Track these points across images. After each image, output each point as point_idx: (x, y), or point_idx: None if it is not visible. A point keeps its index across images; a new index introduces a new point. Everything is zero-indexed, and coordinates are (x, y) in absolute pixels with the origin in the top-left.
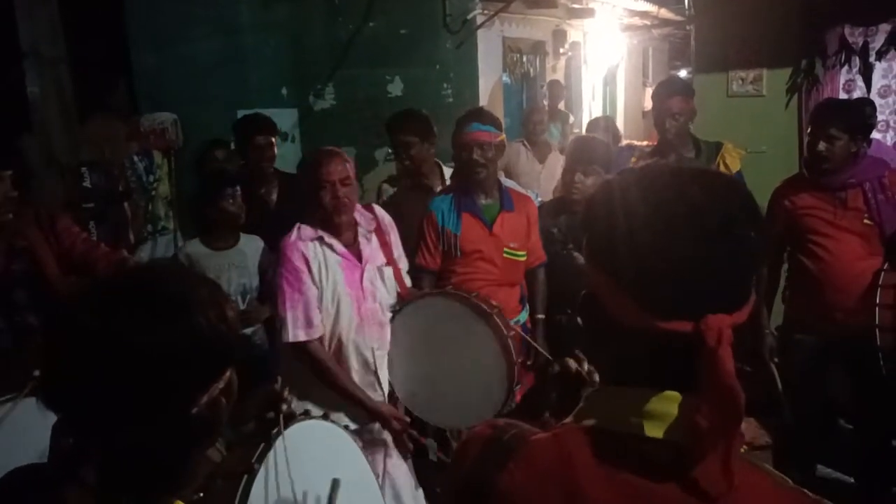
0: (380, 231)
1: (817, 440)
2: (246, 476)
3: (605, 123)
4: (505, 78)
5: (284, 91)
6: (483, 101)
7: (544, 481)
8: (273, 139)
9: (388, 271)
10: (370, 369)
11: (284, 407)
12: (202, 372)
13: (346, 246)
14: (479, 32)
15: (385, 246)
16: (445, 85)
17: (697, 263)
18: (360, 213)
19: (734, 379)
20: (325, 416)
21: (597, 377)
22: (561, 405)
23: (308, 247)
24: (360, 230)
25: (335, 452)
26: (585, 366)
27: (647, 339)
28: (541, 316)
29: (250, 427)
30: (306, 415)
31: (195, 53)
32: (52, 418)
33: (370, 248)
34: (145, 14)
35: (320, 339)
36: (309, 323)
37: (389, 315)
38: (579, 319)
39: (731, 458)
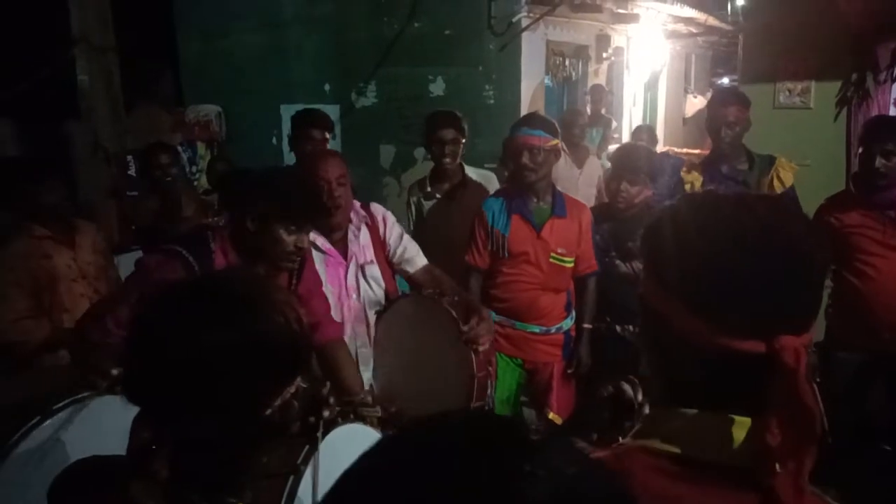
0: (373, 227)
1: (855, 461)
2: (292, 477)
3: (647, 131)
4: (547, 81)
5: (327, 87)
6: (524, 104)
7: None
8: (327, 135)
9: (373, 269)
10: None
11: (327, 413)
12: (278, 374)
13: (333, 243)
14: (524, 35)
15: (376, 242)
16: (487, 86)
17: (769, 283)
18: (352, 210)
19: (812, 399)
20: (363, 420)
21: (647, 408)
22: (612, 426)
23: None
24: (350, 227)
25: None
26: (640, 395)
27: (716, 360)
28: (587, 325)
29: (294, 429)
30: (344, 410)
31: (241, 47)
32: (124, 417)
33: (357, 245)
34: (193, 6)
35: None
36: None
37: (374, 313)
38: (640, 341)
39: (802, 479)
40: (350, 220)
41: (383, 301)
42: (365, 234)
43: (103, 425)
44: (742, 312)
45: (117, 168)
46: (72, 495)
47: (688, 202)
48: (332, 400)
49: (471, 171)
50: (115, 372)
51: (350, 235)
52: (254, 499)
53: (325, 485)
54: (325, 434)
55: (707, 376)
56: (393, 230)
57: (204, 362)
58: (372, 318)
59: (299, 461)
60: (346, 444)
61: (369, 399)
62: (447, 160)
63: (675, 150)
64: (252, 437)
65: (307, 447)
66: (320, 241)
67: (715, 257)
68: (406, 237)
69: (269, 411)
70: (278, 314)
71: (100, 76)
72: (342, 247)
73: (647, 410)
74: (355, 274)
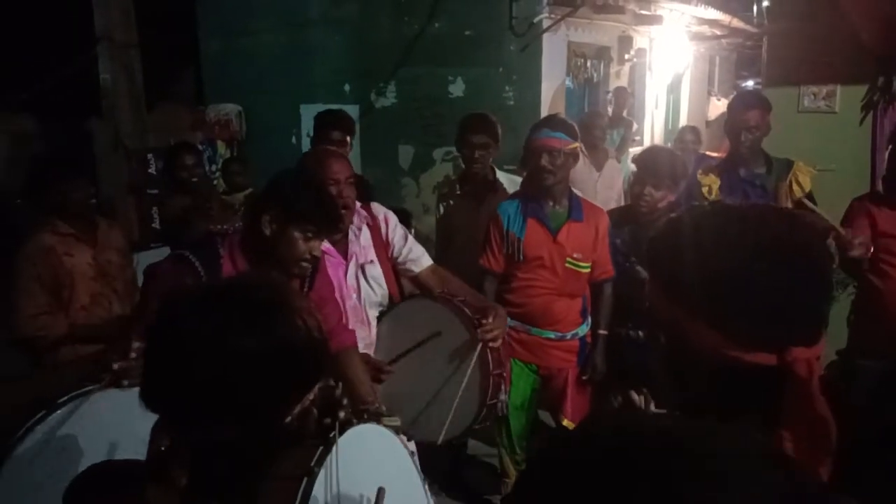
0: (374, 227)
1: (879, 471)
2: (306, 479)
3: (692, 132)
4: (568, 82)
5: (347, 87)
6: (545, 105)
7: None
8: (348, 137)
9: (374, 269)
10: None
11: (342, 414)
12: (300, 382)
13: (333, 243)
14: (545, 36)
15: (378, 242)
16: (507, 87)
17: (781, 296)
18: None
19: (826, 410)
20: (378, 421)
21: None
22: None
23: None
24: (351, 227)
25: (385, 456)
26: (651, 405)
27: (728, 372)
28: (603, 332)
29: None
30: (360, 419)
31: (262, 46)
32: (126, 411)
33: (358, 245)
34: (215, 5)
35: None
36: None
37: (375, 313)
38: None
39: None
40: (351, 221)
41: (384, 302)
42: (366, 235)
43: (105, 419)
44: (754, 325)
45: (138, 165)
46: (87, 500)
47: (696, 213)
48: (345, 401)
49: (501, 176)
50: (116, 366)
51: (351, 235)
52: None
53: (341, 486)
54: (339, 434)
55: (719, 388)
56: (396, 230)
57: (228, 369)
58: (373, 318)
59: (313, 463)
60: (359, 446)
61: (384, 408)
62: (477, 165)
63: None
64: (271, 443)
65: (321, 449)
66: None
67: (727, 270)
68: (411, 238)
69: (289, 418)
70: (301, 321)
71: (122, 74)
72: (342, 246)
73: None
74: (355, 274)
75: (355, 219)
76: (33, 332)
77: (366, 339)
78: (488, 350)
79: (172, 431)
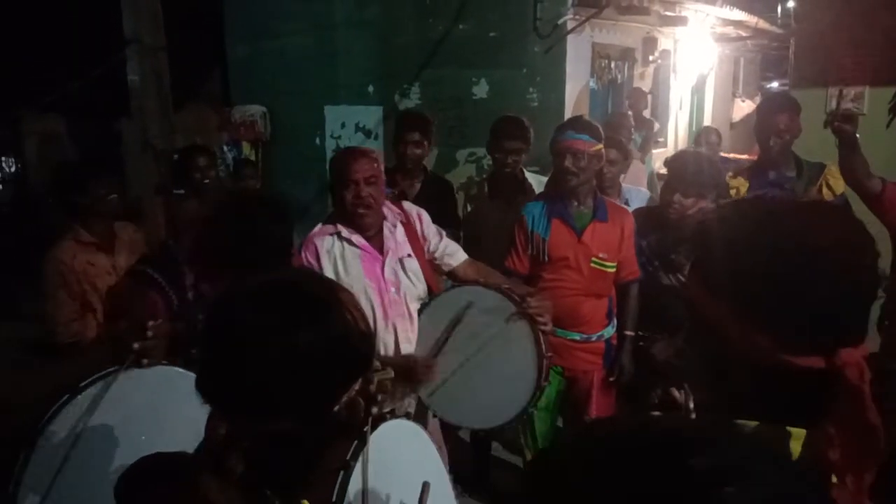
0: (408, 224)
1: None
2: (342, 472)
3: (714, 133)
4: (592, 84)
5: (371, 88)
6: (569, 107)
7: None
8: (423, 140)
9: (412, 262)
10: None
11: (375, 409)
12: (345, 371)
13: (368, 239)
14: (569, 37)
15: (413, 239)
16: (531, 89)
17: (830, 297)
18: (387, 208)
19: (876, 414)
20: (408, 416)
21: (694, 414)
22: None
23: (324, 241)
24: (386, 224)
25: (415, 451)
26: (690, 402)
27: (776, 375)
28: (629, 333)
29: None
30: (392, 414)
31: (288, 48)
32: (148, 391)
33: (394, 239)
34: (242, 7)
35: None
36: None
37: (417, 306)
38: (692, 353)
39: (862, 495)
40: (385, 217)
41: (424, 296)
42: (401, 231)
43: (128, 399)
44: (804, 329)
45: (165, 166)
46: (139, 492)
47: (742, 212)
48: (379, 397)
49: (530, 177)
50: (136, 346)
51: (385, 231)
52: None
53: (374, 479)
54: (373, 429)
55: (763, 390)
56: (430, 226)
57: (283, 363)
58: (414, 311)
59: (349, 456)
60: (393, 439)
61: (377, 363)
62: (507, 169)
63: (723, 154)
64: (322, 433)
65: (356, 443)
66: (355, 237)
67: (775, 273)
68: (445, 235)
69: (337, 408)
70: (349, 314)
71: (150, 75)
72: (377, 242)
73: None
74: (393, 268)
75: (389, 216)
76: (68, 339)
77: (407, 331)
78: (539, 331)
79: (229, 423)
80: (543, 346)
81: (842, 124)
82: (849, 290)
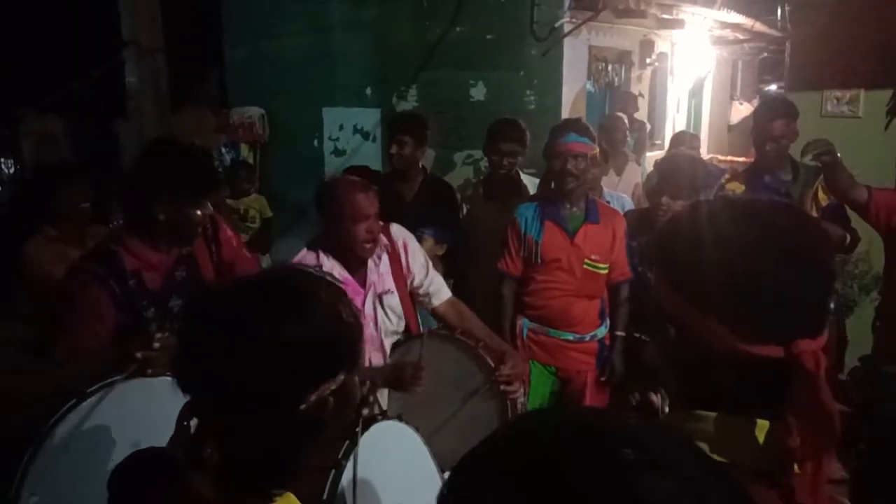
0: (393, 254)
1: None
2: (334, 471)
3: (689, 139)
4: (589, 87)
5: (368, 91)
6: (566, 110)
7: None
8: (408, 140)
9: (391, 299)
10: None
11: (366, 410)
12: (313, 371)
13: (352, 273)
14: (566, 40)
15: (397, 270)
16: (528, 91)
17: (785, 287)
18: None
19: (832, 401)
20: (399, 418)
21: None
22: None
23: None
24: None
25: (406, 451)
26: (666, 405)
27: (735, 364)
28: (620, 333)
29: (335, 425)
30: (383, 416)
31: (286, 50)
32: (152, 400)
33: (377, 273)
34: (240, 9)
35: None
36: None
37: (391, 341)
38: (659, 347)
39: (820, 480)
40: (373, 253)
41: (400, 331)
42: (385, 263)
43: (132, 407)
44: (762, 318)
45: None
46: (131, 485)
47: (704, 209)
48: (371, 398)
49: (526, 179)
50: (139, 356)
51: (370, 264)
52: (297, 491)
53: (365, 479)
54: (364, 430)
55: (726, 381)
56: (416, 258)
57: (244, 357)
58: (388, 347)
59: (340, 456)
60: (384, 440)
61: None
62: (503, 171)
63: (720, 157)
64: (290, 431)
65: (347, 442)
66: (337, 270)
67: (732, 261)
68: (431, 268)
69: (303, 406)
70: (331, 312)
71: (148, 77)
72: (360, 276)
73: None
74: (373, 303)
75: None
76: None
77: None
78: (509, 402)
79: (199, 414)
80: (511, 415)
81: (819, 157)
82: (803, 280)
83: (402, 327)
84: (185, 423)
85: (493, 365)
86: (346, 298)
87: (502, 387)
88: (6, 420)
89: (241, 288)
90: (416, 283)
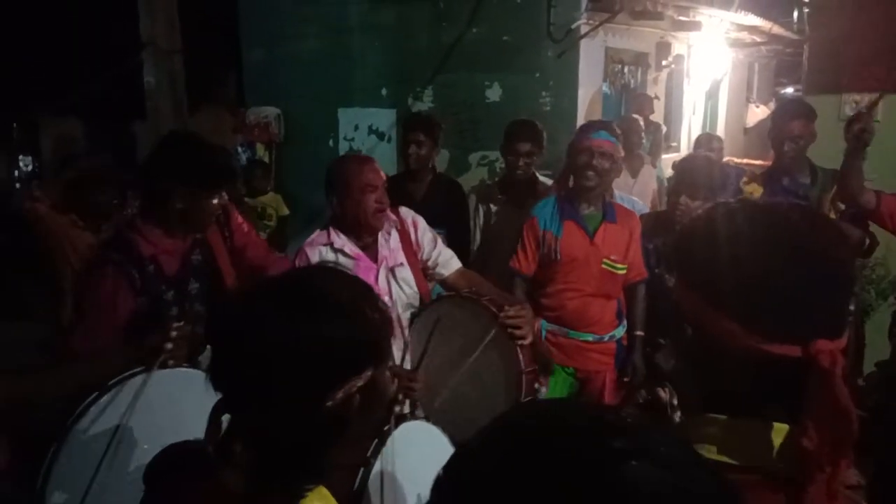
0: (403, 231)
1: None
2: (362, 469)
3: (707, 141)
4: (605, 88)
5: (384, 91)
6: (581, 112)
7: None
8: (425, 139)
9: (404, 271)
10: None
11: (397, 409)
12: (337, 368)
13: (362, 248)
14: (582, 42)
15: (407, 246)
16: (544, 93)
17: (805, 289)
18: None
19: (849, 401)
20: (427, 418)
21: (677, 415)
22: None
23: (316, 252)
24: (381, 232)
25: (434, 452)
26: (675, 400)
27: (751, 364)
28: (639, 333)
29: (364, 423)
30: (412, 415)
31: (302, 51)
32: (172, 391)
33: (388, 248)
34: (257, 11)
35: None
36: None
37: (407, 314)
38: (677, 347)
39: (836, 482)
40: (383, 224)
41: (416, 303)
42: (395, 238)
43: (152, 399)
44: (778, 318)
45: None
46: (167, 478)
47: (722, 210)
48: (401, 397)
49: (543, 181)
50: (168, 346)
51: (380, 240)
52: (328, 488)
53: (394, 477)
54: (395, 429)
55: (744, 382)
56: (425, 234)
57: (264, 355)
58: (405, 320)
59: (369, 454)
60: (413, 439)
61: None
62: (520, 172)
63: (736, 160)
64: (316, 428)
65: (376, 441)
66: (348, 246)
67: (751, 264)
68: (440, 242)
69: (329, 403)
70: (346, 308)
71: (165, 78)
72: (372, 251)
73: (677, 417)
74: (386, 277)
75: (385, 223)
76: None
77: (399, 341)
78: (517, 347)
79: (230, 411)
80: (522, 361)
81: (863, 129)
82: (818, 279)
83: (416, 300)
84: (217, 420)
85: (495, 311)
86: (372, 294)
87: (509, 329)
88: (28, 420)
89: (265, 288)
90: (424, 255)
